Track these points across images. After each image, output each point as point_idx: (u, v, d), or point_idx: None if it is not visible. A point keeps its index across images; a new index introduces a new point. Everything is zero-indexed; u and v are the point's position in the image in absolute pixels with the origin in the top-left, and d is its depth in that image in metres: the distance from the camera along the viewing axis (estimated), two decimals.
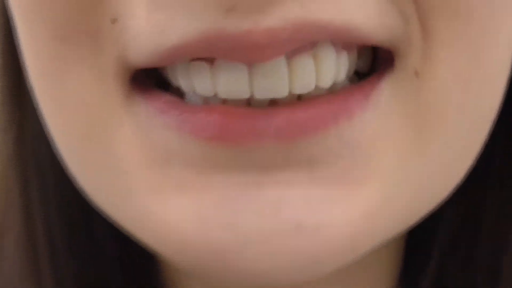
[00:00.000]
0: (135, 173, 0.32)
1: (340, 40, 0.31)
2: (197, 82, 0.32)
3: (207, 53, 0.31)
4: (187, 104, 0.33)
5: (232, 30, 0.28)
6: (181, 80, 0.35)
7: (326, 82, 0.32)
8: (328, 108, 0.31)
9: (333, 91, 0.32)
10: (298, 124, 0.30)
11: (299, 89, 0.31)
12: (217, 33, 0.29)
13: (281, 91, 0.31)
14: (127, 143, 0.32)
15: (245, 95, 0.31)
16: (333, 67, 0.32)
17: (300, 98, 0.32)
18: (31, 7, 0.32)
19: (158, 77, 0.33)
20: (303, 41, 0.30)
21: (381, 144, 0.31)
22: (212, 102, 0.33)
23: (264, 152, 0.30)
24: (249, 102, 0.32)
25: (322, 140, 0.30)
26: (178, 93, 0.33)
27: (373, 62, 0.35)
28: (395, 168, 0.31)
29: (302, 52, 0.31)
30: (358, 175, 0.30)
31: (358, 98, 0.31)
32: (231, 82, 0.31)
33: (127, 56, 0.31)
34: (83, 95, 0.32)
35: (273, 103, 0.31)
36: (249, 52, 0.29)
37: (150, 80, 0.33)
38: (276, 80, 0.31)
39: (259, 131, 0.30)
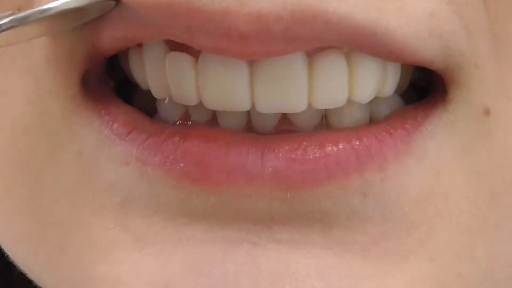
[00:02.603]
0: (72, 221, 0.25)
1: (360, 49, 0.23)
2: (174, 82, 0.24)
3: (163, 29, 0.22)
4: (155, 124, 0.25)
5: (205, 3, 0.21)
6: (150, 80, 0.25)
7: (364, 95, 0.24)
8: (351, 147, 0.23)
9: (373, 118, 0.25)
10: (303, 167, 0.23)
11: (321, 102, 0.24)
12: (183, 2, 0.21)
13: (294, 103, 0.24)
14: (65, 177, 0.25)
15: (243, 106, 0.24)
16: (374, 75, 0.24)
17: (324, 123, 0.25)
18: None
19: (121, 83, 0.27)
20: (302, 42, 0.22)
21: (433, 209, 0.23)
22: (194, 117, 0.25)
23: (259, 200, 0.23)
24: (250, 123, 0.25)
25: (339, 194, 0.23)
26: (150, 104, 0.26)
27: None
28: (455, 244, 0.24)
29: (331, 49, 0.23)
30: (396, 247, 0.23)
31: (397, 137, 0.23)
32: (222, 84, 0.23)
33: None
34: (11, 103, 0.25)
35: (281, 129, 0.25)
36: (222, 39, 0.21)
37: (107, 86, 0.26)
38: (290, 88, 0.23)
39: (250, 172, 0.23)
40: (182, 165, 0.23)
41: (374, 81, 0.24)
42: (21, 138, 0.25)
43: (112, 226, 0.24)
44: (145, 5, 0.21)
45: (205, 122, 0.25)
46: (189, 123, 0.25)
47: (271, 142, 0.23)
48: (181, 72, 0.24)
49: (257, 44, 0.21)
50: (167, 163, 0.23)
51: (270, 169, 0.23)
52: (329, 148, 0.23)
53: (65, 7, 0.21)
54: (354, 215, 0.23)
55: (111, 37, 0.23)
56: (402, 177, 0.23)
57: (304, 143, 0.23)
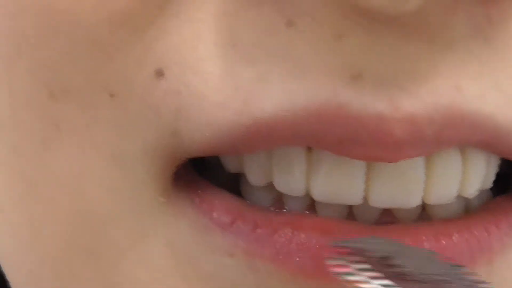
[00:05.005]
0: None
1: (491, 149, 0.23)
2: (281, 172, 0.23)
3: (311, 140, 0.21)
4: (261, 212, 0.23)
5: (358, 109, 0.20)
6: (249, 167, 0.24)
7: (473, 190, 0.24)
8: (465, 241, 0.23)
9: (467, 211, 0.25)
10: None
11: (434, 199, 0.24)
12: (334, 110, 0.20)
13: (410, 199, 0.23)
14: (149, 268, 0.23)
15: (355, 200, 0.23)
16: (483, 169, 0.24)
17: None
18: (15, 40, 0.22)
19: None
20: (447, 144, 0.22)
21: None
22: (288, 204, 0.24)
23: None
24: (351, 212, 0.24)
25: None
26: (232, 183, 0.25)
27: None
28: None
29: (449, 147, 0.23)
30: None
31: (502, 230, 0.23)
32: (337, 179, 0.23)
33: (176, 136, 0.21)
34: (85, 188, 0.23)
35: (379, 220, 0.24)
36: (375, 147, 0.21)
37: (193, 169, 0.25)
38: (407, 184, 0.23)
39: None
40: (297, 259, 0.22)
41: (483, 175, 0.24)
42: (93, 226, 0.23)
43: None
44: (288, 122, 0.20)
45: (302, 209, 0.24)
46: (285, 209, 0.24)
47: (386, 235, 0.22)
48: (291, 163, 0.23)
49: (409, 149, 0.21)
50: (280, 257, 0.22)
51: None
52: (444, 241, 0.23)
53: None
54: None
55: None
56: (505, 270, 0.23)
57: (423, 237, 0.22)
